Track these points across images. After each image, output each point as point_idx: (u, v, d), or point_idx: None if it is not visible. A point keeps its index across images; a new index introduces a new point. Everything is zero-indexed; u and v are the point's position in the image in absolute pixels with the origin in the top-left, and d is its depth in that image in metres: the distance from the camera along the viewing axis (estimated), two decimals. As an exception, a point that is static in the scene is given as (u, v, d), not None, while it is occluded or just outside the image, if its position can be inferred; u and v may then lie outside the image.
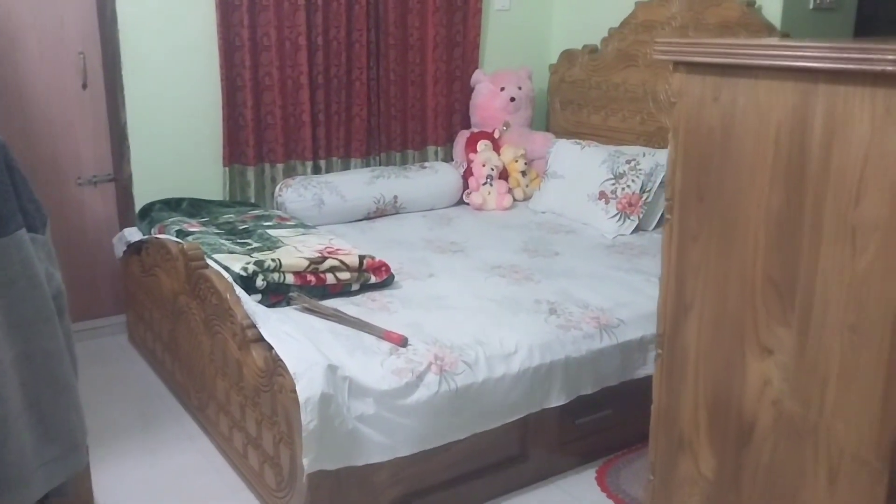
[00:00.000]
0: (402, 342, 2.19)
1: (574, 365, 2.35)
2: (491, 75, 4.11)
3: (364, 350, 2.16)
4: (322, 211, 3.50)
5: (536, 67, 4.26)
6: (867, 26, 3.62)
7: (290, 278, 2.46)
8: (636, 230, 3.39)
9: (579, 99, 4.18)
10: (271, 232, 2.89)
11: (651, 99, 3.77)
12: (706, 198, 1.34)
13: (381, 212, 3.68)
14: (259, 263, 2.41)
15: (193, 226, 2.95)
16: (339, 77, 3.75)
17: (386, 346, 2.19)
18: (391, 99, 3.94)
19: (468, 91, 4.16)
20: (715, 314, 1.36)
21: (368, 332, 2.25)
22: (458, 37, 4.08)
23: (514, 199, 3.92)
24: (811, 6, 3.35)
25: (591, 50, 4.09)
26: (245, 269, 2.40)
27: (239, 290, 2.37)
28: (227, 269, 2.48)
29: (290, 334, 2.15)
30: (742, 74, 1.24)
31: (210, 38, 3.43)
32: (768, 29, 3.26)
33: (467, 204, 3.90)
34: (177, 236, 2.85)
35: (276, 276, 2.44)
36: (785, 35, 3.20)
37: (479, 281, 2.78)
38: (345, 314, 2.33)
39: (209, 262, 2.55)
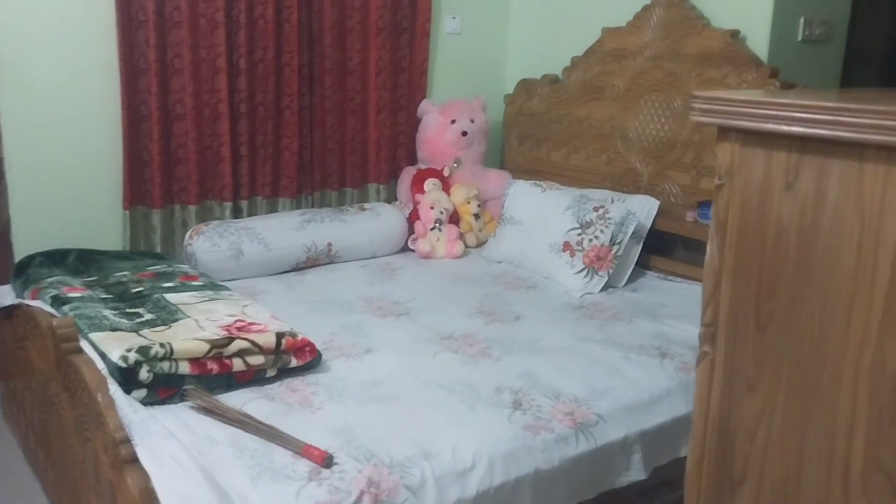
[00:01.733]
0: (326, 461, 1.69)
1: (545, 479, 1.88)
2: (440, 106, 3.65)
3: (274, 474, 1.65)
4: (241, 263, 2.97)
5: (490, 98, 3.82)
6: (856, 59, 3.28)
7: (184, 367, 1.94)
8: (605, 287, 2.95)
9: (538, 133, 3.74)
10: (170, 297, 2.36)
11: (619, 136, 3.36)
12: (771, 329, 0.89)
13: (313, 261, 3.17)
14: (143, 351, 1.88)
15: (75, 289, 2.40)
16: (266, 105, 3.24)
17: (304, 466, 1.69)
18: (327, 130, 3.44)
19: (414, 123, 3.69)
20: (780, 499, 0.91)
21: (282, 446, 1.74)
22: (403, 62, 3.61)
23: (466, 246, 3.46)
24: (800, 38, 2.99)
25: (552, 80, 3.67)
26: (125, 359, 1.86)
27: (115, 388, 1.84)
28: (103, 355, 1.94)
29: (175, 457, 1.63)
30: (836, 153, 0.80)
31: (109, 59, 2.89)
32: (754, 62, 2.87)
33: (413, 251, 3.42)
34: (52, 304, 2.29)
35: (165, 365, 1.91)
36: (773, 70, 2.82)
37: (426, 358, 2.30)
38: (252, 420, 1.82)
39: (84, 343, 2.01)
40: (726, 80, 2.93)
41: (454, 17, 3.78)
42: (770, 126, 0.84)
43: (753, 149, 0.88)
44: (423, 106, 3.66)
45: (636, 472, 2.06)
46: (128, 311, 2.27)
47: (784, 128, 0.82)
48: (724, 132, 0.92)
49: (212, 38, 3.04)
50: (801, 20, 2.96)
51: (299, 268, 3.15)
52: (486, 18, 3.90)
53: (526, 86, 3.79)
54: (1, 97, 2.76)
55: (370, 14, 3.44)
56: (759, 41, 2.91)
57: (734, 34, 2.91)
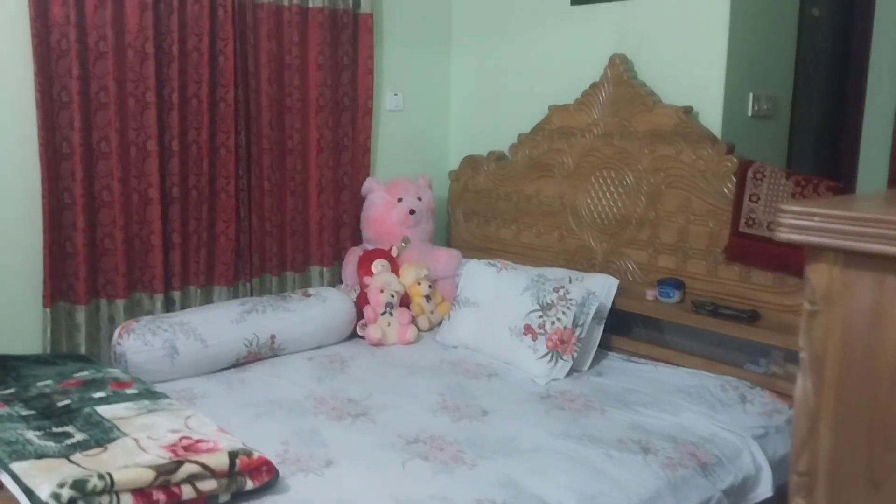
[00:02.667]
0: None
1: None
2: (386, 184, 3.51)
3: None
4: (176, 363, 2.71)
5: (434, 174, 3.71)
6: (799, 132, 3.34)
7: (127, 500, 1.67)
8: (570, 372, 2.82)
9: (486, 210, 3.64)
10: (103, 410, 2.09)
11: (571, 213, 3.28)
12: (888, 484, 0.75)
13: (255, 356, 2.93)
14: (79, 485, 1.61)
15: (-11, 405, 2.10)
16: (200, 188, 3.02)
17: None
18: (265, 212, 3.24)
19: (358, 202, 3.54)
20: None
21: None
22: (345, 140, 3.46)
23: (419, 330, 3.27)
24: (749, 113, 3.00)
25: (499, 157, 3.59)
26: (57, 497, 1.59)
27: (45, 534, 1.56)
28: (29, 492, 1.66)
29: None
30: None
31: (28, 143, 2.64)
32: (709, 138, 2.86)
33: (362, 338, 3.21)
34: (-39, 425, 1.99)
35: (105, 499, 1.64)
36: (730, 146, 2.80)
37: (395, 469, 2.09)
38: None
39: (4, 476, 1.73)
40: (681, 157, 2.90)
41: (396, 94, 3.68)
42: (880, 247, 0.72)
43: (858, 272, 0.76)
44: (368, 184, 3.51)
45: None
46: (54, 430, 1.98)
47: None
48: (819, 251, 0.79)
49: (142, 119, 2.83)
50: (751, 96, 2.98)
51: (239, 363, 2.90)
52: (428, 95, 3.82)
53: (471, 162, 3.70)
54: None
55: (310, 92, 3.30)
56: (711, 117, 2.91)
57: (687, 111, 2.89)
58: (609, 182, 3.14)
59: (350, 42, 3.38)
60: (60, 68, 2.65)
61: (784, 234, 0.79)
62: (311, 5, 3.23)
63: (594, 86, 3.17)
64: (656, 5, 3.03)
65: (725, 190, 2.79)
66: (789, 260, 2.59)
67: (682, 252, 2.93)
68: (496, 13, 3.63)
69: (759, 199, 2.70)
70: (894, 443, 0.75)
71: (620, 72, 3.08)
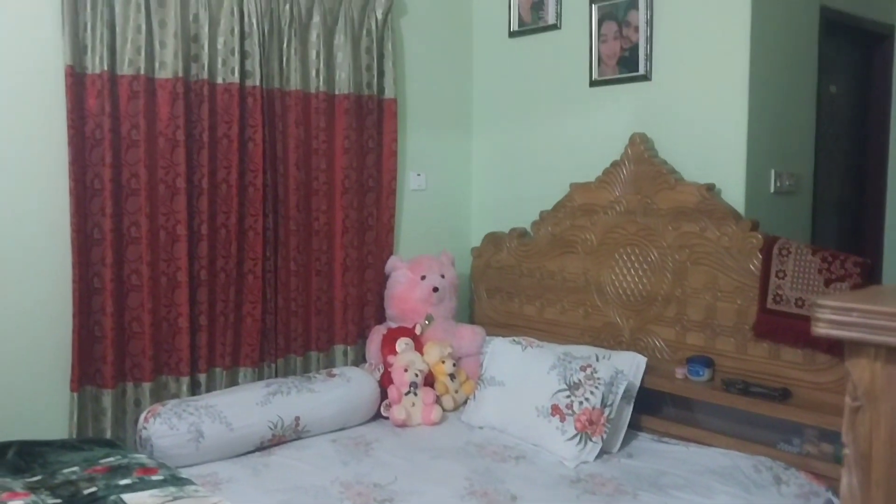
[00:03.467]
0: None
1: None
2: (409, 262, 3.53)
3: None
4: (201, 447, 2.69)
5: (457, 251, 3.73)
6: (822, 208, 3.34)
7: None
8: (600, 454, 2.76)
9: (509, 287, 3.64)
10: (129, 498, 2.07)
11: (595, 290, 3.28)
12: None
13: (279, 439, 2.90)
14: (104, 580, 1.59)
15: (17, 495, 2.08)
16: (228, 270, 3.06)
17: None
18: (291, 293, 3.27)
19: (382, 280, 3.56)
20: None
21: None
22: (370, 220, 3.51)
23: (444, 410, 3.24)
24: (772, 189, 3.01)
25: (521, 234, 3.61)
26: (81, 593, 1.56)
27: None
28: (53, 587, 1.64)
29: None
30: None
31: (60, 229, 2.70)
32: (733, 215, 2.86)
33: (386, 418, 3.18)
34: (-13, 516, 1.97)
35: None
36: (754, 222, 2.81)
37: (422, 558, 2.04)
38: None
39: (28, 570, 1.70)
40: (705, 234, 2.91)
41: (419, 174, 3.75)
42: (926, 345, 0.71)
43: (905, 370, 0.75)
44: (392, 262, 3.54)
45: None
46: (79, 521, 1.96)
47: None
48: (859, 346, 0.79)
49: (171, 204, 2.89)
50: (773, 172, 3.00)
51: (264, 447, 2.87)
52: (451, 174, 3.88)
53: (493, 239, 3.72)
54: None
55: (336, 174, 3.37)
56: (734, 194, 2.92)
57: (710, 188, 2.91)
58: (633, 259, 3.14)
59: (375, 126, 3.46)
60: (94, 157, 2.73)
61: (822, 330, 0.79)
62: (337, 92, 3.32)
63: (615, 164, 3.21)
64: (674, 85, 3.09)
65: (751, 266, 2.78)
66: (819, 337, 2.55)
67: (711, 329, 2.90)
68: (516, 95, 3.71)
69: (785, 275, 2.68)
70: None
71: (641, 150, 3.11)
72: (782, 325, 2.67)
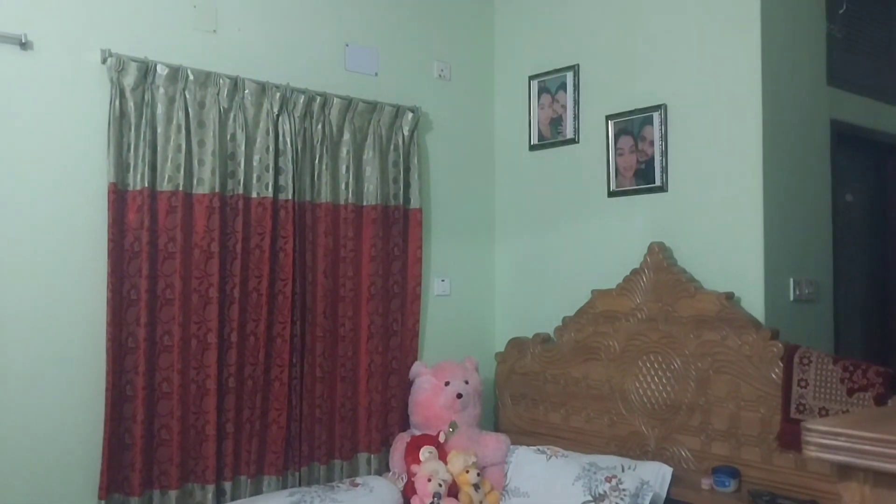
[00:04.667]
0: None
1: None
2: (433, 368, 3.57)
3: None
4: (225, 559, 2.69)
5: (481, 357, 3.77)
6: (844, 315, 3.34)
7: None
8: (626, 568, 2.70)
9: (533, 393, 3.65)
10: None
11: (620, 398, 3.28)
12: None
13: (302, 550, 2.88)
14: None
15: None
16: (255, 378, 3.12)
17: None
18: (316, 399, 3.31)
19: (406, 386, 3.59)
20: None
21: None
22: (395, 325, 3.58)
23: (468, 522, 3.20)
24: (791, 297, 3.04)
25: (544, 339, 3.65)
26: None
27: None
28: None
29: None
30: None
31: (96, 339, 2.80)
32: (753, 323, 2.89)
33: (409, 529, 3.15)
34: None
35: None
36: (774, 331, 2.83)
37: None
38: None
39: None
40: (726, 342, 2.93)
41: (443, 280, 3.83)
42: (909, 472, 0.75)
43: (890, 491, 0.79)
44: (416, 368, 3.58)
45: None
46: None
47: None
48: (849, 469, 0.82)
49: (204, 313, 2.99)
50: (791, 281, 3.04)
51: (287, 560, 2.85)
52: (474, 280, 3.96)
53: (517, 344, 3.76)
54: (-23, 382, 2.60)
55: (362, 282, 3.46)
56: (753, 302, 2.96)
57: (729, 297, 2.95)
58: (657, 366, 3.16)
59: (401, 234, 3.58)
60: (132, 268, 2.85)
61: (812, 453, 0.83)
62: (365, 203, 3.46)
63: (635, 272, 3.27)
64: (689, 195, 3.18)
65: (773, 375, 2.79)
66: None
67: (735, 439, 2.88)
68: (537, 204, 3.83)
69: (807, 384, 2.68)
70: None
71: (660, 259, 3.18)
72: (808, 435, 2.64)
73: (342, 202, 3.40)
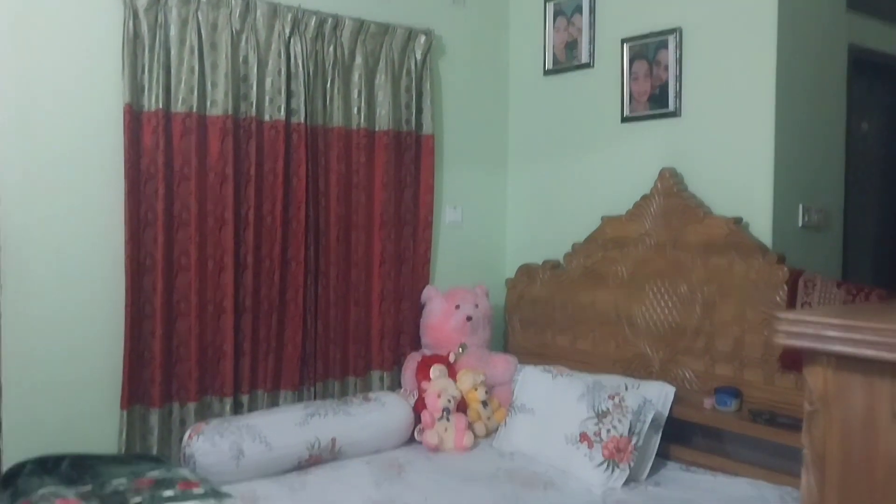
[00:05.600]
0: None
1: None
2: (445, 293, 3.64)
3: None
4: (241, 464, 2.81)
5: (491, 283, 3.83)
6: (853, 244, 3.35)
7: None
8: (627, 481, 2.80)
9: (542, 319, 3.72)
10: (172, 510, 2.20)
11: (626, 322, 3.34)
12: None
13: (316, 459, 3.01)
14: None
15: (69, 501, 2.23)
16: (271, 299, 3.21)
17: None
18: (330, 321, 3.40)
19: (418, 310, 3.67)
20: None
21: None
22: (407, 252, 3.64)
23: (475, 436, 3.31)
24: (800, 224, 3.05)
25: (554, 265, 3.70)
26: (125, 590, 1.69)
27: None
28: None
29: None
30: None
31: (115, 258, 2.89)
32: (760, 249, 2.92)
33: (419, 442, 3.27)
34: (42, 521, 2.12)
35: None
36: (780, 256, 2.86)
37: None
38: None
39: (78, 569, 1.84)
40: (733, 267, 2.96)
41: (455, 208, 3.87)
42: (869, 352, 0.79)
43: (850, 374, 0.83)
44: (427, 292, 3.65)
45: None
46: (126, 528, 2.10)
47: (887, 355, 0.77)
48: (814, 355, 0.87)
49: (220, 235, 3.06)
50: (800, 207, 3.05)
51: (301, 466, 2.98)
52: (486, 208, 4.00)
53: (527, 271, 3.81)
54: (2, 298, 2.70)
55: (374, 208, 3.51)
56: (761, 228, 2.97)
57: (737, 221, 2.97)
58: (664, 291, 3.20)
59: (413, 162, 3.61)
60: (148, 190, 2.91)
61: (781, 340, 0.87)
62: (377, 129, 3.49)
63: (645, 198, 3.29)
64: (702, 121, 3.17)
65: (778, 299, 2.83)
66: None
67: (739, 361, 2.94)
68: (550, 130, 3.83)
69: (811, 307, 2.72)
70: (893, 539, 0.80)
71: (670, 184, 3.19)
72: (808, 357, 2.70)
73: (354, 127, 3.42)
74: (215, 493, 2.39)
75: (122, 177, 2.86)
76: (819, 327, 0.84)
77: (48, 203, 2.78)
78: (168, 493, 2.34)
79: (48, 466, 2.56)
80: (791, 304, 2.77)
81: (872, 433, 0.82)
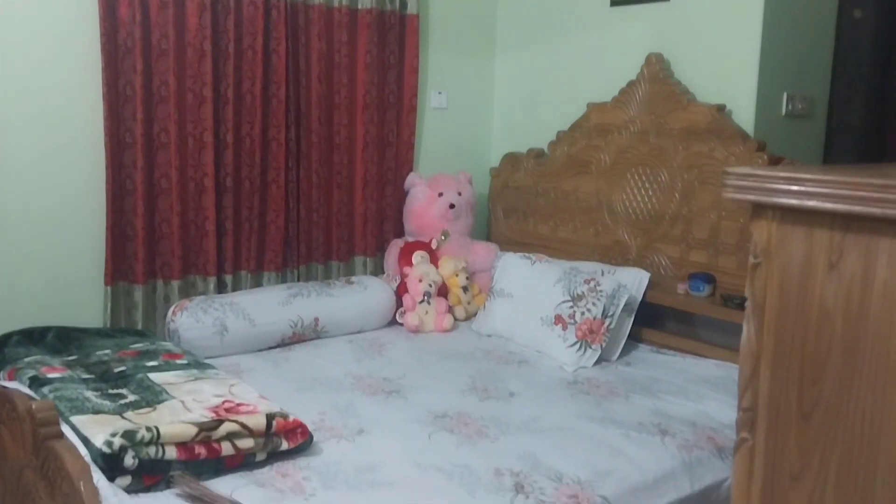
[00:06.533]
0: (324, 553, 1.59)
1: (551, 568, 1.79)
2: (428, 179, 3.65)
3: (269, 569, 1.55)
4: (225, 340, 2.89)
5: (475, 171, 3.83)
6: (837, 134, 3.35)
7: (171, 452, 1.84)
8: (598, 361, 2.90)
9: (524, 207, 3.75)
10: (154, 377, 2.27)
11: (607, 210, 3.37)
12: (816, 417, 0.85)
13: (299, 337, 3.09)
14: (129, 435, 1.79)
15: (55, 369, 2.30)
16: (252, 179, 3.21)
17: (300, 559, 1.59)
18: (313, 204, 3.41)
19: (401, 196, 3.68)
20: None
21: (276, 537, 1.64)
22: (390, 136, 3.62)
23: (455, 319, 3.40)
24: (783, 112, 3.04)
25: (538, 154, 3.69)
26: (109, 445, 1.77)
27: (98, 476, 1.73)
28: (86, 440, 1.84)
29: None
30: (885, 231, 0.77)
31: (94, 134, 2.86)
32: (741, 136, 2.91)
33: (401, 324, 3.35)
34: (30, 385, 2.19)
35: (152, 450, 1.81)
36: (761, 143, 2.86)
37: (421, 439, 2.22)
38: (245, 509, 1.72)
39: (65, 427, 1.91)
40: (713, 154, 2.97)
41: (440, 93, 3.82)
42: (812, 203, 0.81)
43: (792, 227, 0.86)
44: (411, 179, 3.66)
45: (645, 560, 1.97)
46: (110, 391, 2.17)
47: (829, 205, 0.79)
48: (760, 209, 0.89)
49: (199, 112, 3.03)
50: (784, 95, 3.03)
51: (285, 343, 3.07)
52: (472, 94, 3.95)
53: (511, 159, 3.81)
54: (-18, 172, 2.70)
55: (357, 90, 3.46)
56: (744, 115, 2.96)
57: (720, 108, 2.96)
58: (644, 179, 3.22)
59: (396, 42, 3.53)
60: (126, 64, 2.86)
61: (729, 195, 0.89)
62: (359, 7, 3.39)
63: (631, 84, 3.26)
64: (692, 6, 3.10)
65: (756, 186, 2.84)
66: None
67: (714, 248, 2.99)
68: (539, 15, 3.74)
69: (788, 195, 2.74)
70: (820, 379, 0.84)
71: (656, 70, 3.16)
72: (781, 244, 2.74)
73: (335, 4, 3.33)
74: (198, 364, 2.46)
75: (98, 51, 2.80)
76: (766, 180, 0.86)
77: (24, 77, 2.73)
78: (152, 363, 2.41)
79: (34, 337, 2.62)
80: (768, 191, 2.78)
81: (809, 282, 0.85)
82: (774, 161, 2.79)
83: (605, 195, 3.37)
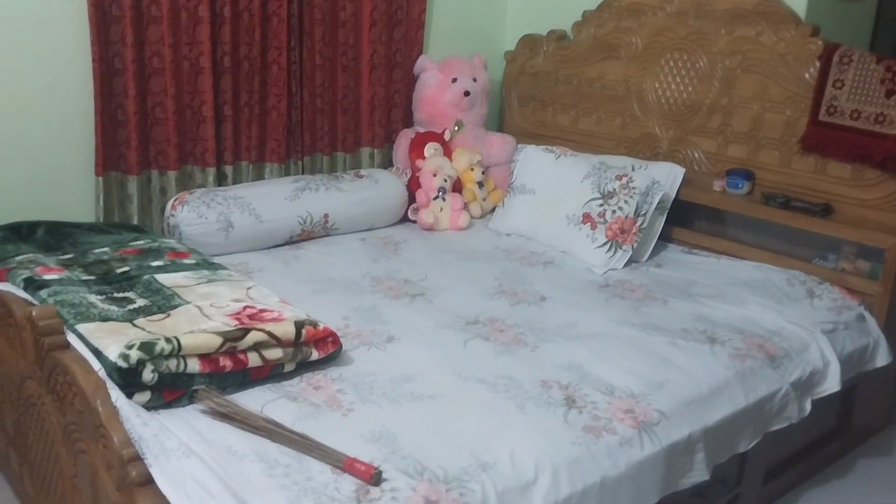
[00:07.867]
0: (374, 477, 1.44)
1: (611, 487, 1.66)
2: (439, 63, 3.36)
3: (316, 495, 1.40)
4: (230, 236, 2.68)
5: (489, 54, 3.54)
6: (885, 17, 3.11)
7: (194, 365, 1.66)
8: (628, 262, 2.74)
9: (543, 95, 3.48)
10: (162, 279, 2.06)
11: (636, 99, 3.13)
12: None
13: (308, 234, 2.89)
14: (147, 347, 1.59)
15: (50, 269, 2.08)
16: (252, 59, 2.91)
17: (349, 483, 1.44)
18: (317, 88, 3.13)
19: (411, 81, 3.40)
20: None
21: (320, 459, 1.49)
22: (399, 13, 3.30)
23: (471, 217, 3.20)
24: (836, -7, 2.78)
25: (560, 36, 3.40)
26: (126, 359, 1.57)
27: (115, 393, 1.55)
28: (97, 352, 1.65)
29: (199, 479, 1.37)
30: None
31: (78, 7, 2.52)
32: (793, 19, 2.66)
33: (413, 222, 3.15)
34: (25, 288, 1.98)
35: (172, 363, 1.63)
36: (815, 27, 2.61)
37: (456, 346, 2.06)
38: (281, 427, 1.55)
39: (71, 336, 1.72)
40: (760, 38, 2.72)
41: (453, -35, 3.48)
42: None
43: None
44: (421, 62, 3.36)
45: (699, 473, 1.87)
46: (115, 295, 1.97)
47: None
48: None
49: (193, -17, 2.69)
50: (841, -25, 2.76)
51: (293, 241, 2.86)
52: (487, -33, 3.60)
53: (529, 42, 3.51)
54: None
55: (365, -40, 3.12)
56: (794, -4, 2.70)
57: (770, -12, 2.69)
58: (680, 65, 2.97)
59: None
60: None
61: None
62: None
63: (669, -41, 2.96)
64: None
65: (807, 75, 2.62)
66: (874, 150, 2.45)
67: (755, 141, 2.79)
68: None
69: (843, 85, 2.53)
70: None
71: (700, -56, 2.86)
72: (834, 139, 2.55)
73: None
74: (208, 264, 2.25)
75: None
76: None
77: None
78: (157, 262, 2.20)
79: (22, 233, 2.39)
80: (822, 80, 2.57)
81: None
82: (831, 47, 2.56)
83: (634, 83, 3.12)
